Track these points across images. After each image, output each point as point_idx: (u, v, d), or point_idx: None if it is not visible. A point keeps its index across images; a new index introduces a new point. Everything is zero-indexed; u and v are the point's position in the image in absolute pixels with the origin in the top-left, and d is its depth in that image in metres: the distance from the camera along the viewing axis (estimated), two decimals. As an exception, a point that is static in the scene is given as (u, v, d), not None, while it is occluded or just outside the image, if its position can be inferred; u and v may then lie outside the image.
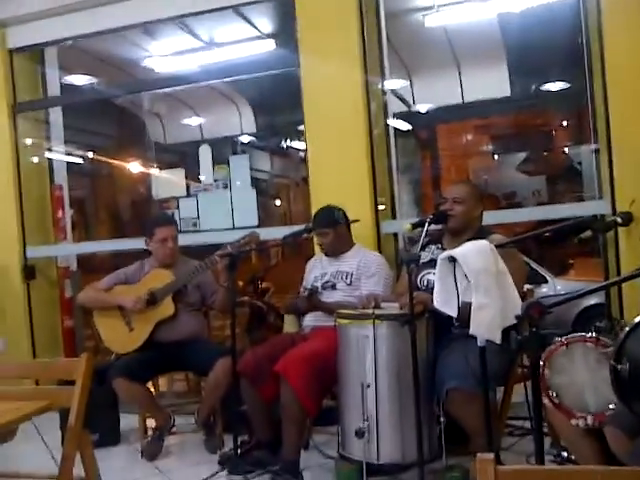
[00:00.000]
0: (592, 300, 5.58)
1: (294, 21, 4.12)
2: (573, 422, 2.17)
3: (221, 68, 5.35)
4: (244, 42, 5.98)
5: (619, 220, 2.88)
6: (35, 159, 5.25)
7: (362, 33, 4.01)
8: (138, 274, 3.84)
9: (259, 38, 5.86)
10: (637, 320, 1.87)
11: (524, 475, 1.11)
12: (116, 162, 8.77)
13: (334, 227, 3.46)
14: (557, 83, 7.47)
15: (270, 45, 5.87)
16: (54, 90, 5.29)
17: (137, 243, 3.99)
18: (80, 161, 7.84)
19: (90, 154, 8.41)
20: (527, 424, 3.43)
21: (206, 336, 3.98)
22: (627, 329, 1.86)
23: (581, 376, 2.18)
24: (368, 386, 2.73)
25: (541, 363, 2.18)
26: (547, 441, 2.91)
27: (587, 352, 2.18)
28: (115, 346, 3.80)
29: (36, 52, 5.18)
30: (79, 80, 6.03)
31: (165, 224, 3.80)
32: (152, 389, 4.05)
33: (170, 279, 3.69)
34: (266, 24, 5.69)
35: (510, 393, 3.09)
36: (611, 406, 2.07)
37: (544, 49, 6.21)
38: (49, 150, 5.30)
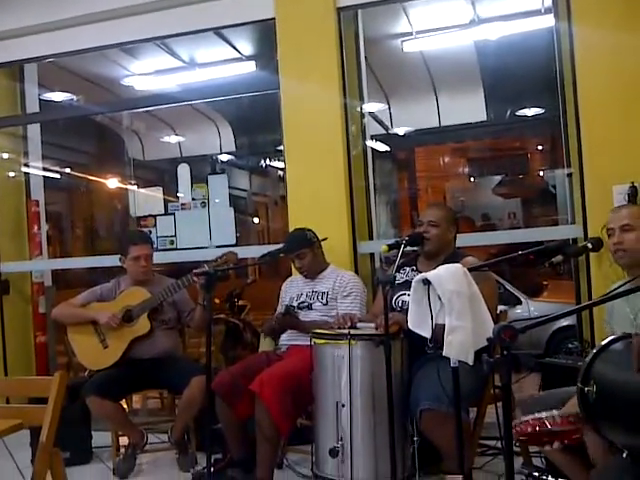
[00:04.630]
0: (565, 322, 5.66)
1: (275, 44, 4.18)
2: None
3: (201, 88, 5.38)
4: (225, 63, 6.02)
5: (590, 246, 2.94)
6: (12, 174, 5.22)
7: (341, 57, 4.07)
8: (114, 291, 3.83)
9: (239, 60, 5.91)
10: (604, 342, 1.91)
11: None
12: (94, 178, 8.73)
13: (310, 247, 3.48)
14: (532, 109, 7.62)
15: (250, 67, 5.92)
16: (33, 106, 5.27)
17: (113, 260, 3.98)
18: (58, 177, 7.80)
19: (68, 170, 8.37)
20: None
21: (181, 353, 3.96)
22: (594, 351, 1.89)
23: None
24: (343, 406, 2.75)
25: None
26: (518, 461, 2.94)
27: None
28: (89, 363, 3.78)
29: (15, 68, 5.17)
30: (58, 97, 6.02)
31: (139, 242, 3.77)
32: (125, 406, 4.02)
33: (146, 297, 3.68)
34: (247, 46, 5.74)
35: (483, 413, 3.12)
36: None
37: (519, 76, 6.35)
38: (26, 165, 5.28)
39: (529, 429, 2.11)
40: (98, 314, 3.69)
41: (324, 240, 3.59)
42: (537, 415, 2.10)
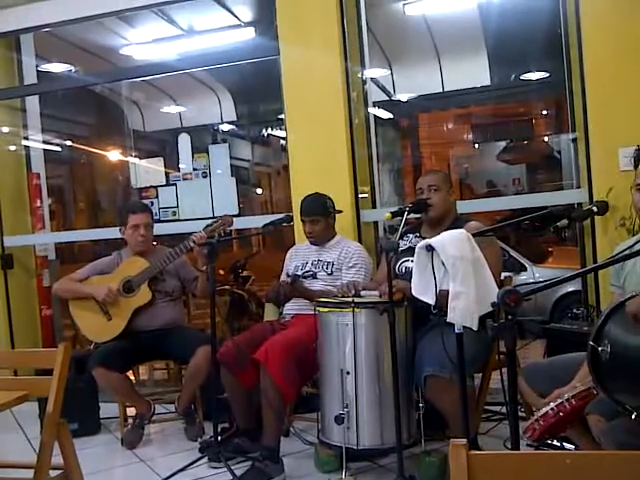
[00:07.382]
0: (570, 287, 5.65)
1: (274, 9, 4.09)
2: None
3: (200, 56, 5.29)
4: (223, 30, 5.93)
5: (595, 209, 2.89)
6: (12, 147, 5.19)
7: (342, 21, 3.99)
8: (115, 265, 3.82)
9: (238, 26, 5.81)
10: (618, 301, 1.86)
11: (495, 460, 1.13)
12: (95, 150, 8.68)
13: (326, 216, 3.45)
14: (537, 72, 7.49)
15: (250, 33, 5.82)
16: (31, 78, 5.21)
17: (115, 232, 3.97)
18: (58, 149, 7.75)
19: (68, 142, 8.32)
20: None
21: (186, 324, 3.97)
22: (609, 309, 1.83)
23: None
24: (348, 373, 2.75)
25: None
26: (523, 426, 2.95)
27: None
28: (94, 335, 3.79)
29: (12, 39, 5.10)
30: (56, 68, 5.95)
31: (138, 211, 3.76)
32: (132, 378, 4.05)
33: (144, 266, 3.67)
34: (245, 12, 5.64)
35: (488, 379, 3.12)
36: None
37: (524, 38, 6.22)
38: (26, 138, 5.24)
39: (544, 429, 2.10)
40: (95, 290, 3.69)
41: (339, 212, 3.57)
42: (547, 408, 2.09)
